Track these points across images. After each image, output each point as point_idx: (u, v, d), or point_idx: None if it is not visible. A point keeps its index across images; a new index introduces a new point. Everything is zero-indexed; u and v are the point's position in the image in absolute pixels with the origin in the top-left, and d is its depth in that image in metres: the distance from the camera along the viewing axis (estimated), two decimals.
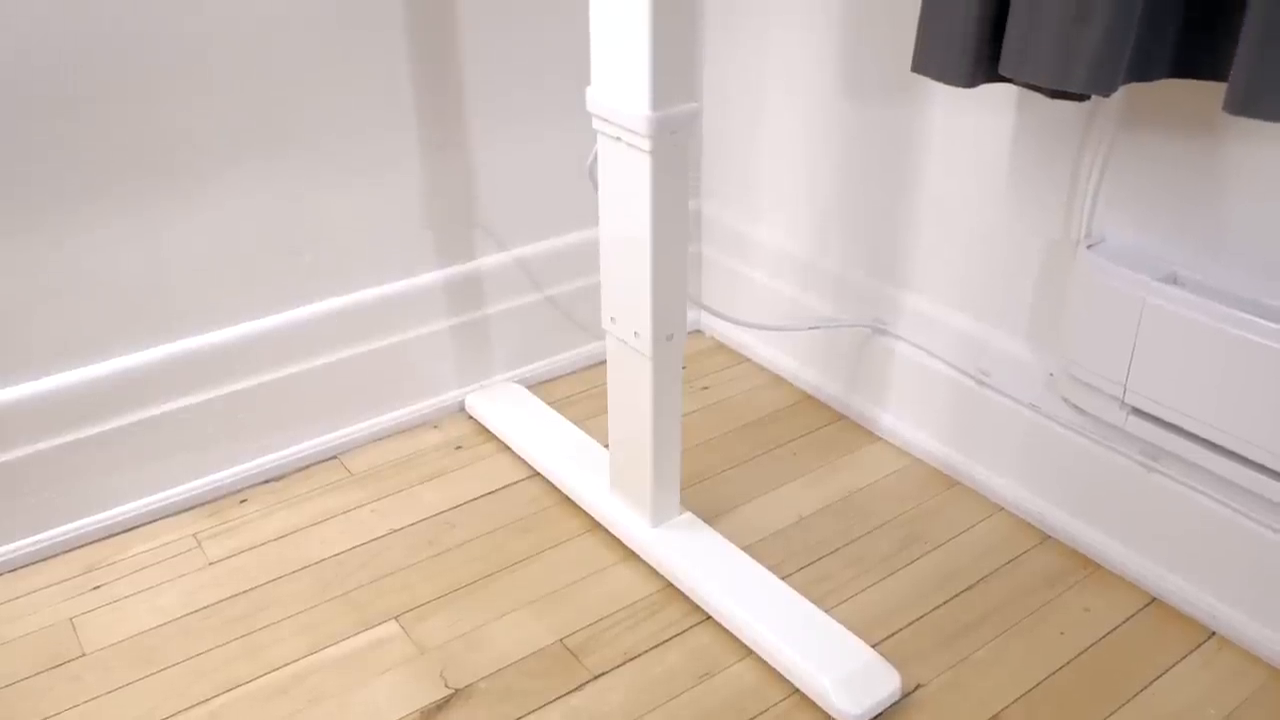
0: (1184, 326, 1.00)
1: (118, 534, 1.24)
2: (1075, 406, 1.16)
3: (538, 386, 1.53)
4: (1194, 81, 0.96)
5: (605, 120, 1.02)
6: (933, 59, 1.00)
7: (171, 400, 1.24)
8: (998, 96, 1.16)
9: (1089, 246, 1.09)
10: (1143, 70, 0.92)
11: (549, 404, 1.46)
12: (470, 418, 1.46)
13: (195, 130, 1.16)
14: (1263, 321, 0.95)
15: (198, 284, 1.22)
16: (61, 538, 1.21)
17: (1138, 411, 1.08)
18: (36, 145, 1.07)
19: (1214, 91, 0.97)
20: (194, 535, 1.24)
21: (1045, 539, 1.23)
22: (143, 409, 1.22)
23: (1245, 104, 0.82)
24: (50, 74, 1.06)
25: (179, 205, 1.18)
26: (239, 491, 1.31)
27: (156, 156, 1.14)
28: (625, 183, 1.03)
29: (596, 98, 1.02)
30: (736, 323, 1.57)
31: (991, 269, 1.23)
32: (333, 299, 1.33)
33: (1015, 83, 0.96)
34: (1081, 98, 0.98)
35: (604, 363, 1.51)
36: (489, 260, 1.44)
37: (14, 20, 1.02)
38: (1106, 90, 0.89)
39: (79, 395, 1.18)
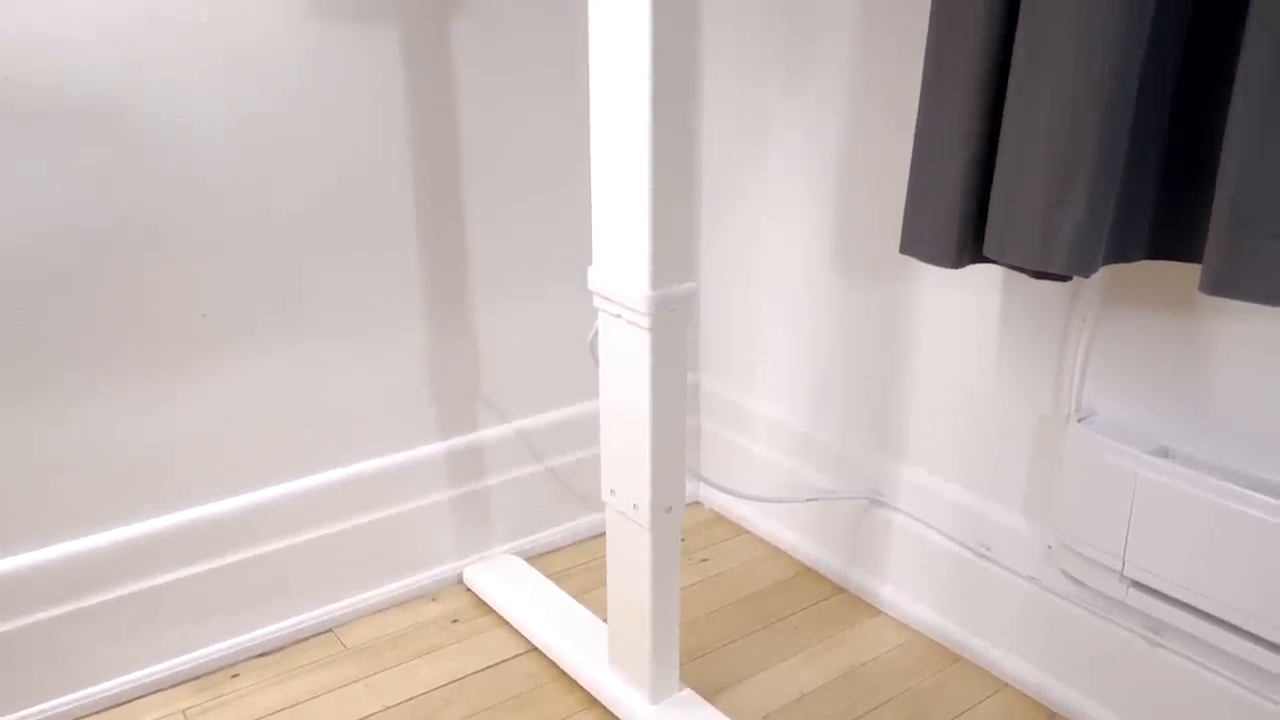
0: (1178, 499, 1.01)
1: (107, 709, 1.21)
2: (1075, 579, 1.16)
3: (537, 558, 1.53)
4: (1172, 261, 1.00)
5: (606, 299, 1.05)
6: (920, 241, 1.04)
7: (171, 571, 1.23)
8: (984, 276, 1.20)
9: (1080, 420, 1.11)
10: (1121, 252, 0.96)
11: (548, 576, 1.45)
12: (468, 590, 1.45)
13: (202, 306, 1.19)
14: (1255, 494, 0.96)
15: (199, 456, 1.24)
16: (50, 713, 1.18)
17: (1138, 584, 1.08)
18: (44, 318, 1.11)
19: (1191, 270, 1.01)
20: (183, 712, 1.22)
21: (1053, 716, 1.20)
22: (143, 579, 1.22)
23: (1219, 285, 0.85)
24: (60, 251, 1.10)
25: (181, 378, 1.20)
26: (232, 665, 1.29)
27: (161, 331, 1.18)
28: (625, 358, 1.05)
29: (598, 277, 1.06)
30: (735, 495, 1.57)
31: (986, 442, 1.25)
32: (333, 470, 1.34)
33: (1000, 263, 1.00)
34: (1063, 278, 1.02)
35: (603, 534, 1.51)
36: (490, 432, 1.46)
37: (28, 199, 1.07)
38: (1086, 271, 0.92)
39: (77, 566, 1.17)
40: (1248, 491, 0.97)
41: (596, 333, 1.09)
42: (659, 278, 1.00)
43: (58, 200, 1.08)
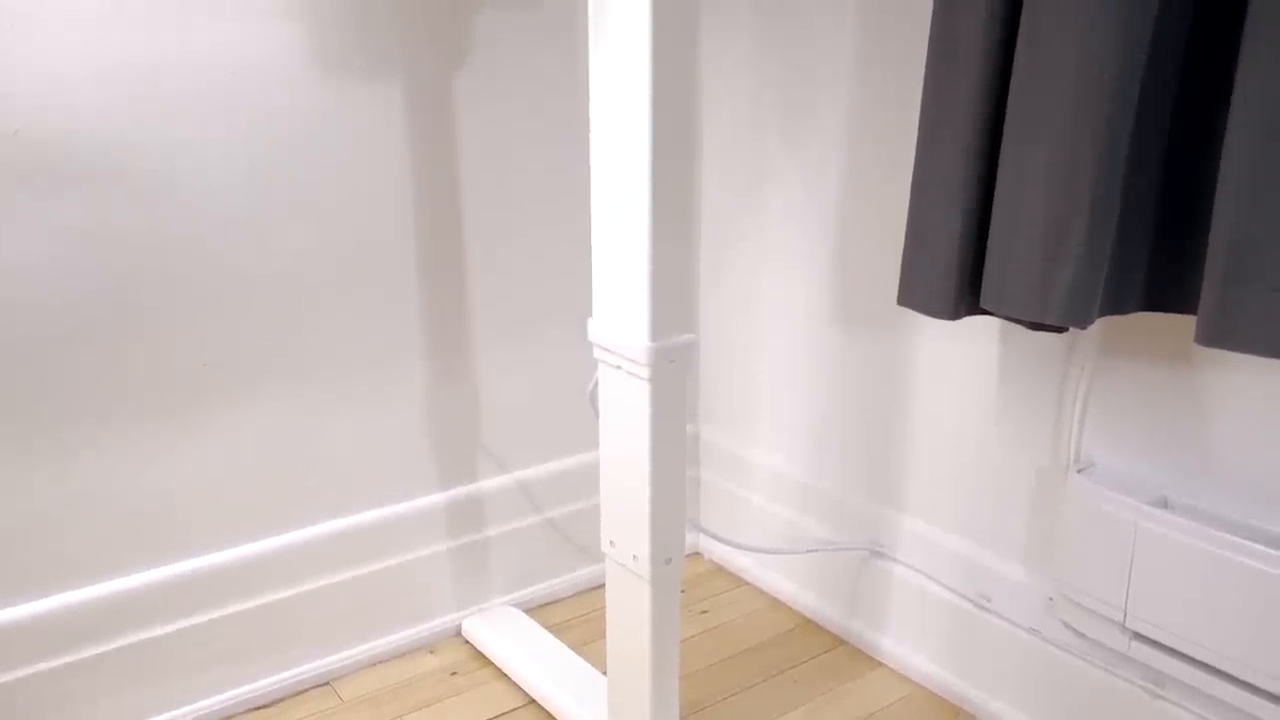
0: (1178, 550, 1.01)
1: None
2: (1076, 631, 1.15)
3: (536, 610, 1.52)
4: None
5: (606, 350, 1.06)
6: (917, 293, 1.05)
7: (169, 623, 1.23)
8: (982, 326, 1.21)
9: (1079, 471, 1.11)
10: (1116, 304, 0.97)
11: (547, 628, 1.44)
12: (467, 642, 1.44)
13: (202, 357, 1.20)
14: (1255, 545, 0.96)
15: (199, 507, 1.24)
16: None
17: (1140, 636, 1.08)
18: (44, 372, 1.11)
19: (1187, 321, 1.01)
20: None
21: None
22: (142, 631, 1.21)
23: (1214, 337, 0.86)
24: (61, 305, 1.11)
25: (181, 429, 1.20)
26: (229, 719, 1.28)
27: (161, 382, 1.18)
28: (625, 409, 1.06)
29: (598, 329, 1.07)
30: (735, 546, 1.57)
31: (986, 493, 1.25)
32: (332, 521, 1.33)
33: (997, 315, 1.01)
34: (1060, 329, 1.03)
35: (603, 586, 1.50)
36: (489, 483, 1.46)
37: (31, 255, 1.08)
38: (1082, 323, 0.93)
39: (77, 617, 1.17)
40: (1247, 542, 0.97)
41: (597, 384, 1.10)
42: (659, 329, 1.01)
43: (59, 258, 1.08)
